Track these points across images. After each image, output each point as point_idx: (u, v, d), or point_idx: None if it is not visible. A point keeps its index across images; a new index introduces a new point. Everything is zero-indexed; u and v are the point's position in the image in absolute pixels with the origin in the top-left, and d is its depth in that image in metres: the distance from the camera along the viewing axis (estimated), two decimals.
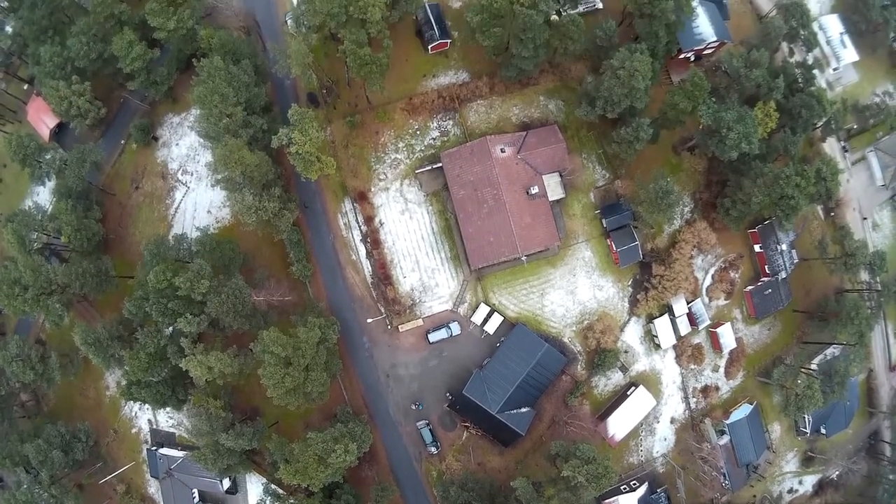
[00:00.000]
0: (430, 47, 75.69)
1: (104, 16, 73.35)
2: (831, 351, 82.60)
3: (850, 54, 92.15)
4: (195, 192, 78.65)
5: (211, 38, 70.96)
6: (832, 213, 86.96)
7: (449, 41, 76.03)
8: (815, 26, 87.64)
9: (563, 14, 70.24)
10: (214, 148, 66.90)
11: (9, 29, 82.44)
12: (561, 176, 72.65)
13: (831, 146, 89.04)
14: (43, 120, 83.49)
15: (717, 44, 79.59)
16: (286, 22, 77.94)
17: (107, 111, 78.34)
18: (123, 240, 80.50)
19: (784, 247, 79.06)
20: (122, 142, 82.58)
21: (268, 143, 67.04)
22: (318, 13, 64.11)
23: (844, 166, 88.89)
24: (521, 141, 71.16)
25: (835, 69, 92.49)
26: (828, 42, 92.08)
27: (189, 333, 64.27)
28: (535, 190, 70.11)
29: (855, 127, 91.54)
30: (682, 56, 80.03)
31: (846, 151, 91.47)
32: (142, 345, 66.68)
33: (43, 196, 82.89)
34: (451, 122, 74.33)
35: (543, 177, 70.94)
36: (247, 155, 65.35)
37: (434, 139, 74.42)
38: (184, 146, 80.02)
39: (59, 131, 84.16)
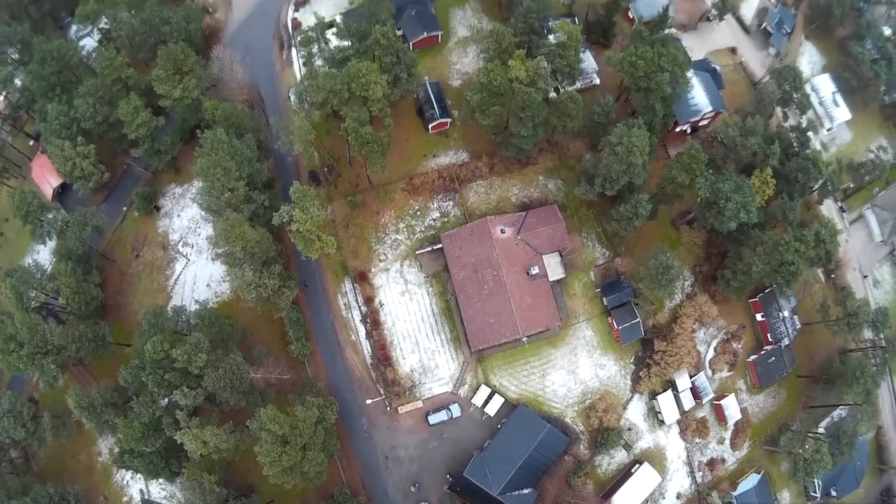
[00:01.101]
0: (430, 127, 76.45)
1: (111, 79, 74.18)
2: (838, 413, 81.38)
3: (842, 113, 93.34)
4: (195, 264, 78.22)
5: (215, 109, 71.56)
6: (832, 275, 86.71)
7: (449, 120, 76.88)
8: (807, 88, 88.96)
9: (562, 91, 70.89)
10: (216, 222, 66.78)
11: (18, 82, 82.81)
12: (561, 255, 72.57)
13: (828, 208, 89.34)
14: (47, 178, 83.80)
15: (712, 114, 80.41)
16: (289, 98, 78.67)
17: (110, 176, 78.70)
18: (122, 307, 79.79)
19: (786, 313, 78.53)
20: (125, 209, 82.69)
21: (269, 220, 66.90)
22: (321, 89, 64.84)
23: (843, 227, 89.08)
24: (520, 221, 71.26)
25: (829, 129, 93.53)
26: (820, 103, 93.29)
27: (185, 406, 63.18)
28: (535, 270, 69.93)
29: (851, 186, 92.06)
30: (678, 129, 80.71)
31: (843, 212, 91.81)
32: (136, 414, 65.51)
33: (43, 255, 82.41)
34: (451, 203, 74.58)
35: (543, 257, 70.88)
36: (248, 231, 65.17)
37: (434, 220, 74.48)
38: (185, 218, 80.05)
39: (62, 192, 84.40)
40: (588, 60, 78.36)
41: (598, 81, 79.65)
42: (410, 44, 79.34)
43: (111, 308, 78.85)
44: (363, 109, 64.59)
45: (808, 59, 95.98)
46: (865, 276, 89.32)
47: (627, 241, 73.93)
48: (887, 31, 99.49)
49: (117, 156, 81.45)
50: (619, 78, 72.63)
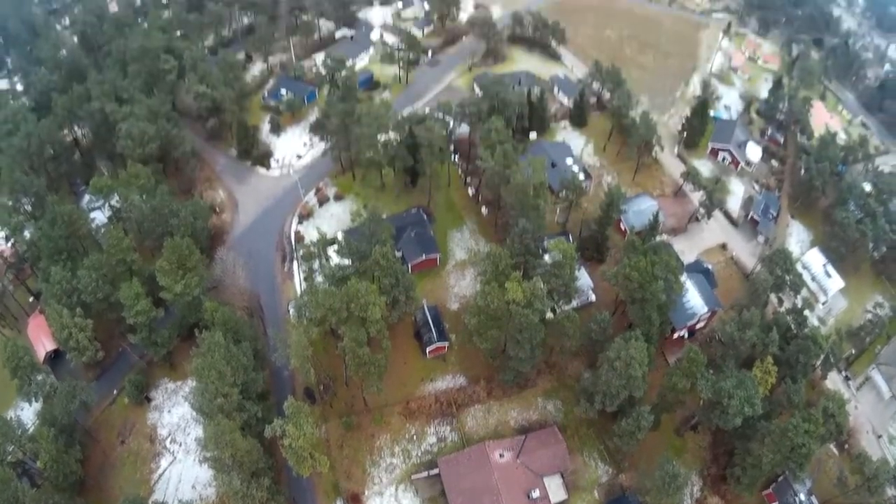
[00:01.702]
0: (428, 351, 76.26)
1: (116, 259, 74.84)
2: None
3: (835, 283, 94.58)
4: (182, 463, 75.63)
5: (214, 311, 71.91)
6: (846, 445, 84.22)
7: (447, 344, 76.95)
8: (798, 267, 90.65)
9: (558, 311, 71.65)
10: (206, 425, 65.23)
11: (27, 234, 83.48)
12: (563, 477, 70.34)
13: (833, 380, 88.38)
14: (41, 340, 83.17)
15: (708, 315, 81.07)
16: (289, 311, 79.24)
17: (104, 356, 77.45)
18: (102, 489, 76.31)
19: (802, 497, 75.28)
20: (115, 391, 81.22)
21: (261, 431, 65.61)
22: (320, 306, 65.52)
23: (850, 395, 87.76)
24: (520, 445, 69.58)
25: (824, 302, 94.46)
26: (813, 278, 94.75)
27: None
28: (536, 494, 67.40)
29: (853, 352, 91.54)
30: (675, 335, 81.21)
31: (849, 380, 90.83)
32: None
33: (27, 413, 79.99)
34: (448, 428, 73.05)
35: (545, 479, 68.60)
36: (238, 439, 63.69)
37: (431, 445, 72.68)
38: (176, 414, 78.51)
39: (55, 357, 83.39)
40: (583, 278, 79.91)
41: (593, 298, 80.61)
42: (409, 266, 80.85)
43: (90, 487, 75.19)
44: (361, 330, 65.04)
45: (797, 237, 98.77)
46: (880, 436, 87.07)
47: (631, 456, 71.96)
48: (867, 188, 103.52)
49: (114, 337, 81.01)
50: (614, 292, 73.84)
